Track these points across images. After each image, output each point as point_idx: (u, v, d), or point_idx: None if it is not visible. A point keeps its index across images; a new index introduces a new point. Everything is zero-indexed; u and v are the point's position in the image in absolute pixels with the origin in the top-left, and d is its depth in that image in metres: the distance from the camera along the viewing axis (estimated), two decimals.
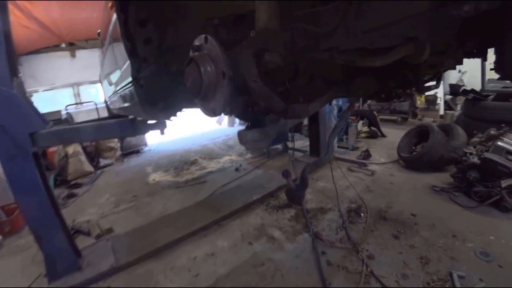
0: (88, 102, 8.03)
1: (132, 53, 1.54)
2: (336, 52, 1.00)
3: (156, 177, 5.59)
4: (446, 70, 1.54)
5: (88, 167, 6.24)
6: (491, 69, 1.55)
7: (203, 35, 1.11)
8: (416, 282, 2.32)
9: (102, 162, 6.89)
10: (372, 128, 6.79)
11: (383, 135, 6.69)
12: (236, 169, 5.44)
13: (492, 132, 3.74)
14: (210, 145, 7.68)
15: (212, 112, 1.13)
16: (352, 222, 3.23)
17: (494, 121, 4.35)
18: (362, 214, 3.36)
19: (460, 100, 7.37)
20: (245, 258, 2.80)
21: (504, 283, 2.26)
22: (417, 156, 4.40)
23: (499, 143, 3.44)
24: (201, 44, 1.12)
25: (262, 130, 1.28)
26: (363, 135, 6.72)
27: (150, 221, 3.61)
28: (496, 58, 1.30)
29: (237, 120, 10.37)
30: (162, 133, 2.65)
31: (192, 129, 10.43)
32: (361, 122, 6.82)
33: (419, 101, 8.10)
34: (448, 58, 1.31)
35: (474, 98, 4.95)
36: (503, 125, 3.95)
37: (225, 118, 10.87)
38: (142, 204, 4.38)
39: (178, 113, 2.18)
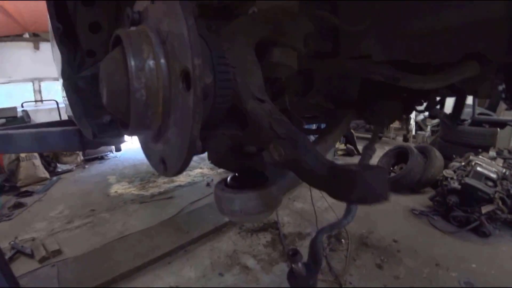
0: (49, 100, 7.28)
1: (65, 41, 1.08)
2: (369, 63, 0.72)
3: (119, 188, 5.06)
4: (466, 97, 1.34)
5: (43, 173, 5.51)
6: (502, 99, 1.42)
7: None
8: None
9: (60, 167, 6.16)
10: (349, 146, 6.76)
11: (359, 153, 6.65)
12: (208, 184, 5.04)
13: (471, 157, 3.73)
14: None
15: (159, 163, 0.59)
16: (332, 250, 3.00)
17: (471, 146, 4.42)
18: (343, 241, 3.15)
19: (429, 122, 7.60)
20: None
21: None
22: (397, 178, 4.35)
23: (478, 168, 3.41)
24: (146, 5, 0.57)
25: (263, 192, 0.69)
26: (340, 152, 6.66)
27: (107, 242, 3.15)
28: (508, 90, 1.19)
29: None
30: (118, 149, 2.18)
31: None
32: None
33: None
34: (483, 84, 1.06)
35: (445, 116, 5.01)
36: (479, 150, 3.99)
37: None
38: (99, 220, 3.86)
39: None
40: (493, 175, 3.35)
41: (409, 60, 0.70)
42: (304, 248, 3.04)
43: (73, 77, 1.19)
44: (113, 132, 1.44)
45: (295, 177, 0.76)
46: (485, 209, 3.20)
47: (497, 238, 3.29)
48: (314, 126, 2.31)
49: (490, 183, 3.30)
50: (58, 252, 3.05)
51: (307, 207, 3.86)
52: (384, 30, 0.70)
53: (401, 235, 3.26)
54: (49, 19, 1.23)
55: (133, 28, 0.59)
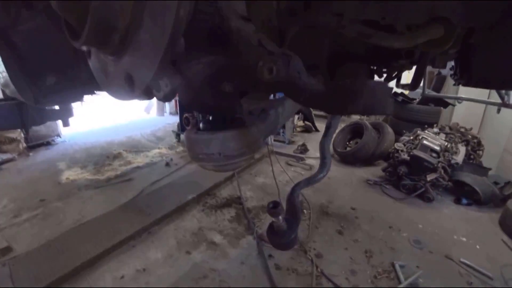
0: None
1: None
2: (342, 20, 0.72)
3: (70, 175, 4.67)
4: (426, 66, 1.42)
5: None
6: (451, 76, 1.54)
7: None
8: (364, 277, 2.37)
9: (0, 157, 5.54)
10: (307, 122, 6.96)
11: (317, 130, 6.91)
12: (167, 164, 4.88)
13: (418, 132, 4.07)
14: (137, 136, 6.77)
15: (123, 83, 0.48)
16: None
17: (419, 122, 4.83)
18: (305, 211, 3.29)
19: None
20: (184, 271, 2.43)
21: (435, 267, 2.53)
22: (352, 151, 4.63)
23: (424, 142, 3.74)
24: None
25: (242, 132, 0.64)
26: (298, 129, 6.85)
27: (62, 233, 2.92)
28: (460, 67, 1.29)
29: (167, 108, 9.12)
30: (66, 124, 1.91)
31: (115, 118, 8.99)
32: (296, 116, 6.93)
33: None
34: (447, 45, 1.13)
35: (403, 101, 5.41)
36: (426, 126, 4.36)
37: (153, 106, 9.23)
38: (51, 211, 3.55)
39: (87, 97, 1.42)
40: (437, 148, 3.71)
41: (379, 22, 0.72)
42: (268, 220, 3.12)
43: (7, 30, 1.00)
44: (58, 96, 1.26)
45: (273, 123, 0.74)
46: (429, 177, 3.56)
47: (440, 202, 3.69)
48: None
49: (434, 155, 3.65)
50: (7, 249, 2.75)
51: (269, 181, 3.96)
52: None
53: (358, 203, 3.52)
54: None
55: None
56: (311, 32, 0.87)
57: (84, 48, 0.47)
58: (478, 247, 2.87)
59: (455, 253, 2.71)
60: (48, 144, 6.48)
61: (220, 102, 0.65)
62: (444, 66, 1.31)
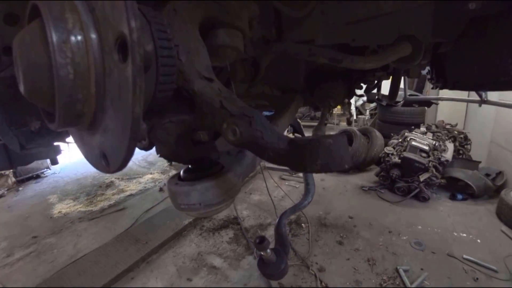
0: None
1: None
2: (312, 47, 0.74)
3: (62, 208, 4.57)
4: (401, 78, 1.47)
5: None
6: (428, 80, 1.60)
7: None
8: (369, 286, 2.34)
9: None
10: (296, 134, 6.98)
11: None
12: (160, 189, 4.81)
13: (406, 133, 4.14)
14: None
15: (99, 158, 0.49)
16: (295, 235, 3.10)
17: (405, 124, 4.92)
18: (303, 225, 3.27)
19: (368, 106, 8.27)
20: None
21: (439, 267, 2.53)
22: None
23: (413, 143, 3.80)
24: None
25: (220, 180, 0.63)
26: None
27: (57, 271, 2.83)
28: (435, 72, 1.35)
29: None
30: (55, 162, 1.89)
31: None
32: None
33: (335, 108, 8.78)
34: (416, 65, 1.17)
35: (387, 104, 5.52)
36: (412, 126, 4.45)
37: None
38: (44, 247, 3.45)
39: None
40: (426, 147, 3.78)
41: (350, 44, 0.75)
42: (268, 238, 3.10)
43: None
44: (44, 140, 1.26)
45: (251, 163, 0.75)
46: (422, 177, 3.60)
47: (435, 200, 3.73)
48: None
49: (424, 154, 3.71)
50: None
51: (264, 198, 3.94)
52: (326, 16, 0.73)
53: (355, 211, 3.51)
54: None
55: None
56: (286, 59, 0.89)
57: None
58: (479, 241, 2.90)
59: (457, 250, 2.73)
60: (37, 177, 6.35)
61: (195, 153, 0.66)
62: (419, 76, 1.36)
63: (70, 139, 1.29)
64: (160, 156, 0.69)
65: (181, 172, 0.69)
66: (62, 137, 1.31)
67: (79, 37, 0.42)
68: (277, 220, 1.31)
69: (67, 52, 0.41)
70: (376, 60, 0.76)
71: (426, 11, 0.67)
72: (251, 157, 0.74)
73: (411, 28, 0.70)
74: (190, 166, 0.69)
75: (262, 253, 1.13)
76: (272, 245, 1.35)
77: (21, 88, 0.47)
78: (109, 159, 0.47)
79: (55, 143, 1.33)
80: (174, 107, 0.55)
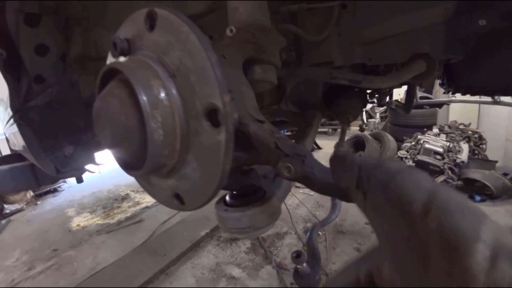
0: None
1: (10, 68, 1.00)
2: (330, 68, 0.78)
3: (80, 221, 4.67)
4: (416, 89, 1.49)
5: None
6: (440, 85, 1.62)
7: (145, 10, 0.50)
8: None
9: (8, 208, 5.50)
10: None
11: (318, 147, 6.94)
12: None
13: (419, 136, 4.11)
14: None
15: (171, 198, 0.55)
16: None
17: (417, 126, 4.87)
18: (319, 233, 3.26)
19: (378, 109, 8.22)
20: None
21: None
22: None
23: (426, 145, 3.77)
24: (138, 32, 0.51)
25: (267, 205, 0.68)
26: None
27: (78, 283, 2.90)
28: (447, 78, 1.37)
29: None
30: (80, 180, 1.97)
31: None
32: None
33: None
34: (431, 76, 1.22)
35: (397, 106, 5.47)
36: (425, 129, 4.41)
37: None
38: (65, 260, 3.53)
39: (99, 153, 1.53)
40: (440, 149, 3.74)
41: (366, 63, 0.78)
42: (284, 247, 3.10)
43: (25, 108, 1.06)
44: (77, 164, 1.33)
45: (289, 186, 0.79)
46: (438, 180, 3.55)
47: None
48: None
49: (438, 157, 3.67)
50: None
51: None
52: (342, 38, 0.77)
53: None
54: None
55: (124, 59, 0.53)
56: (306, 81, 0.92)
57: None
58: None
59: None
60: (55, 191, 6.52)
61: (242, 182, 0.73)
62: (432, 87, 1.39)
63: (99, 161, 1.37)
64: None
65: (228, 198, 0.74)
66: (93, 160, 1.38)
67: (165, 102, 0.47)
68: (308, 234, 1.36)
69: (158, 117, 0.46)
70: (393, 79, 0.79)
71: (438, 30, 0.70)
72: (287, 184, 0.78)
73: (424, 47, 0.73)
74: (235, 192, 0.75)
75: (298, 266, 1.20)
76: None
77: (107, 145, 0.53)
78: (185, 200, 0.53)
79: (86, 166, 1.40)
80: None
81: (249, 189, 0.74)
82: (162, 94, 0.47)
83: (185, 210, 0.55)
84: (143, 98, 0.45)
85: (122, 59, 0.53)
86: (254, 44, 0.67)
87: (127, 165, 0.55)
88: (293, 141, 0.81)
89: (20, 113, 1.09)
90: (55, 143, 1.16)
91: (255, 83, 0.69)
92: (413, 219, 0.25)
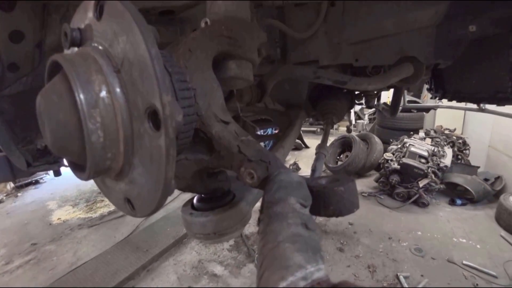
0: None
1: None
2: (315, 67, 0.76)
3: (62, 214, 4.56)
4: (402, 93, 1.51)
5: None
6: (428, 90, 1.64)
7: None
8: None
9: None
10: (296, 140, 7.03)
11: (307, 146, 6.98)
12: None
13: (405, 139, 4.16)
14: None
15: (123, 202, 0.51)
16: None
17: (404, 129, 4.95)
18: None
19: (366, 111, 8.32)
20: None
21: (440, 273, 2.55)
22: (344, 165, 4.70)
23: (412, 149, 3.82)
24: (89, 21, 0.47)
25: (234, 210, 0.66)
26: None
27: (57, 278, 2.82)
28: (434, 84, 1.39)
29: None
30: (58, 173, 1.89)
31: None
32: None
33: None
34: (418, 80, 1.20)
35: (384, 109, 5.54)
36: (411, 132, 4.48)
37: None
38: (44, 255, 3.43)
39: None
40: (425, 153, 3.80)
41: (353, 64, 0.77)
42: None
43: None
44: (50, 157, 1.25)
45: (260, 190, 0.76)
46: (421, 183, 3.62)
47: (435, 206, 3.75)
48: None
49: (423, 160, 3.74)
50: None
51: None
52: (329, 36, 0.75)
53: (355, 217, 3.50)
54: None
55: (73, 51, 0.49)
56: (291, 79, 0.90)
57: None
58: (478, 246, 2.92)
59: (457, 256, 2.74)
60: (36, 182, 6.34)
61: (210, 185, 0.68)
62: (420, 91, 1.40)
63: None
64: (175, 188, 0.70)
65: (195, 201, 0.70)
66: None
67: (107, 101, 0.43)
68: None
69: (96, 118, 0.42)
70: (380, 81, 0.78)
71: (428, 33, 0.69)
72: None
73: (413, 50, 0.73)
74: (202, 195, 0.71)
75: None
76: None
77: (48, 144, 0.48)
78: (135, 206, 0.49)
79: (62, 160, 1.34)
80: (190, 145, 0.56)
81: (218, 192, 0.70)
82: (103, 92, 0.43)
83: (136, 216, 0.51)
84: (80, 96, 0.41)
85: (73, 49, 0.49)
86: (229, 38, 0.63)
87: (75, 166, 0.51)
88: (270, 143, 0.79)
89: None
90: (27, 135, 1.10)
91: (228, 80, 0.65)
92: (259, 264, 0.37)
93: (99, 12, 0.44)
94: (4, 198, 5.56)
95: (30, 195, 5.72)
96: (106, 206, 4.66)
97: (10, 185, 5.85)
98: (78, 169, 0.50)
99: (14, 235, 4.02)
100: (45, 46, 1.02)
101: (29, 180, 6.19)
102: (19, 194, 5.77)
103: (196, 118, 0.54)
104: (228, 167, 0.56)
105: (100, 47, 0.45)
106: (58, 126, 0.44)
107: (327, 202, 0.47)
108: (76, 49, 0.49)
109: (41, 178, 6.45)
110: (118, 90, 0.43)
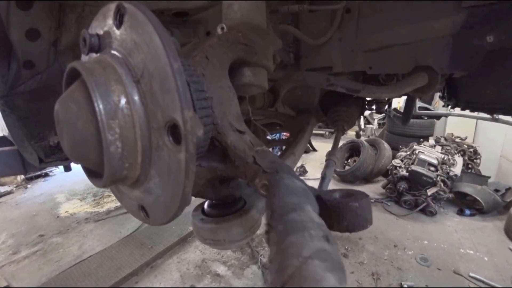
0: None
1: None
2: (328, 74, 0.75)
3: (69, 207, 4.63)
4: (415, 101, 1.48)
5: None
6: (440, 98, 1.61)
7: (113, 3, 0.45)
8: None
9: None
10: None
11: (314, 150, 6.94)
12: None
13: (414, 146, 4.10)
14: None
15: (137, 209, 0.52)
16: None
17: (414, 136, 4.88)
18: None
19: (376, 115, 8.23)
20: None
21: (445, 285, 2.50)
22: (351, 170, 4.65)
23: (421, 156, 3.77)
24: (108, 28, 0.47)
25: (245, 218, 0.65)
26: None
27: (62, 270, 2.86)
28: (448, 92, 1.36)
29: None
30: (68, 169, 1.91)
31: None
32: None
33: None
34: (432, 91, 1.18)
35: (395, 116, 5.48)
36: (421, 139, 4.41)
37: None
38: (51, 246, 3.49)
39: None
40: (434, 161, 3.73)
41: (367, 72, 0.76)
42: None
43: (10, 94, 1.01)
44: (62, 154, 1.26)
45: None
46: (430, 191, 3.56)
47: (442, 215, 3.68)
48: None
49: (432, 168, 3.67)
50: None
51: None
52: (343, 43, 0.74)
53: None
54: None
55: (91, 57, 0.48)
56: (302, 86, 0.90)
57: None
58: (486, 259, 2.85)
59: (464, 268, 2.68)
60: (46, 175, 6.45)
61: (222, 192, 0.68)
62: (431, 98, 1.38)
63: None
64: None
65: (205, 207, 0.70)
66: None
67: (126, 111, 0.43)
68: None
69: (115, 128, 0.42)
70: (393, 90, 0.77)
71: (444, 43, 0.68)
72: None
73: (428, 60, 0.71)
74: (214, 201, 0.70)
75: None
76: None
77: (66, 151, 0.48)
78: (150, 214, 0.49)
79: None
80: (205, 152, 0.55)
81: (229, 198, 0.69)
82: (123, 102, 0.42)
83: (150, 224, 0.51)
84: (100, 107, 0.40)
85: (91, 55, 0.48)
86: (245, 45, 0.62)
87: (91, 173, 0.51)
88: (282, 153, 0.79)
89: (5, 99, 1.04)
90: (40, 132, 1.11)
91: (243, 87, 0.65)
92: (276, 280, 0.33)
93: (119, 20, 0.44)
94: (14, 189, 5.68)
95: (40, 187, 5.82)
96: (113, 202, 4.70)
97: (20, 177, 5.96)
98: (94, 175, 0.50)
99: (22, 225, 4.09)
100: (60, 45, 1.03)
101: (39, 173, 6.29)
102: (28, 186, 5.89)
103: (212, 127, 0.53)
104: (242, 177, 0.55)
105: (119, 55, 0.45)
106: (77, 135, 0.44)
107: (341, 217, 0.46)
108: (94, 55, 0.48)
109: (51, 171, 6.56)
110: (137, 101, 0.43)
